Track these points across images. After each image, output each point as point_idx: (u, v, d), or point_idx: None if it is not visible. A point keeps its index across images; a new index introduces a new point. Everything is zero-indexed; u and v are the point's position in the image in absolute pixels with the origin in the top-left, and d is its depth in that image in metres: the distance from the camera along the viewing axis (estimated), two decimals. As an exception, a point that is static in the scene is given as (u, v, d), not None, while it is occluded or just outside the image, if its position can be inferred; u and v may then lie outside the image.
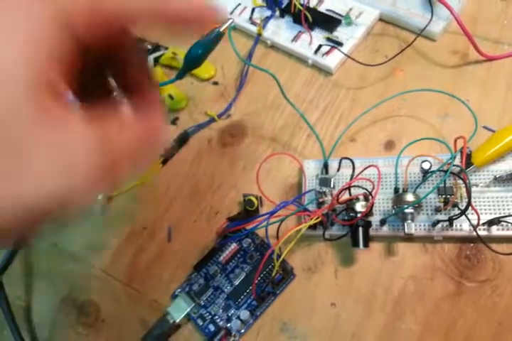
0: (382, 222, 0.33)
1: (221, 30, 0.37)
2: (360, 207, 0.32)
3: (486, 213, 0.32)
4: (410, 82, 0.41)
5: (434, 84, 0.39)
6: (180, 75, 0.41)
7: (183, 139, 0.43)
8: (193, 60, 0.40)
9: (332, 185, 0.35)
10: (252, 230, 0.33)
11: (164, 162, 0.43)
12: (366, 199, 0.33)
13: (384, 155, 0.38)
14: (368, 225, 0.33)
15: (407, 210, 0.32)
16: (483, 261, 0.32)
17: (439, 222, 0.32)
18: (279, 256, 0.32)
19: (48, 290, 0.38)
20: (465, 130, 0.37)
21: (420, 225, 0.33)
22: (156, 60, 0.48)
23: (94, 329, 0.36)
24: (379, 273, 0.34)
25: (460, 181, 0.33)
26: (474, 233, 0.31)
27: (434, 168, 0.33)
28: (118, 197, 0.42)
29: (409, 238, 0.34)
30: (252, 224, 0.33)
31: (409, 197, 0.32)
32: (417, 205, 0.32)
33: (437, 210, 0.33)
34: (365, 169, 0.33)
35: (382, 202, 0.35)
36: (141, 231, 0.40)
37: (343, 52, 0.43)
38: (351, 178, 0.34)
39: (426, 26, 0.41)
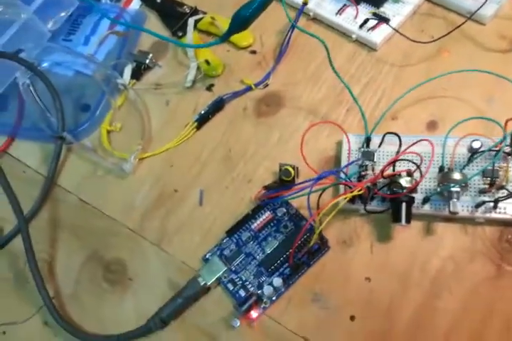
0: (426, 200, 0.33)
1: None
2: (405, 182, 0.32)
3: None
4: (456, 64, 0.40)
5: (480, 67, 0.39)
6: (225, 37, 0.40)
7: (218, 105, 0.43)
8: (241, 22, 0.39)
9: (375, 159, 0.34)
10: (293, 197, 0.33)
11: (199, 126, 0.42)
12: (410, 175, 0.33)
13: (426, 135, 0.38)
14: (411, 201, 0.32)
15: (453, 189, 0.31)
16: (525, 245, 0.32)
17: (484, 202, 0.32)
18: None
19: (74, 246, 0.38)
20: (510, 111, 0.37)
21: (463, 206, 0.33)
22: (194, 25, 0.47)
23: (120, 286, 0.36)
24: (416, 251, 0.33)
25: (507, 164, 0.32)
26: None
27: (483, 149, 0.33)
28: (150, 158, 0.41)
29: (450, 218, 0.33)
30: (292, 191, 0.33)
31: (456, 176, 0.32)
32: (463, 185, 0.32)
33: (482, 192, 0.33)
34: (416, 143, 0.32)
35: (426, 180, 0.34)
36: (171, 193, 0.39)
37: (391, 27, 0.42)
38: (397, 153, 0.33)
39: (478, 9, 0.40)
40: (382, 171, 0.32)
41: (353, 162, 0.35)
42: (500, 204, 0.32)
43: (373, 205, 0.34)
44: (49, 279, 0.36)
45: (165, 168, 0.40)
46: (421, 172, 0.32)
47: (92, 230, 0.38)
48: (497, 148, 0.32)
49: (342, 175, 0.33)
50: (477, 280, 0.32)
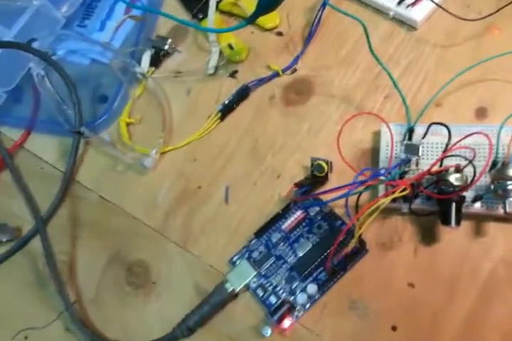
0: (477, 198, 0.30)
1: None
2: (454, 179, 0.28)
3: None
4: (508, 44, 0.36)
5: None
6: (252, 19, 0.37)
7: (243, 93, 0.39)
8: (269, 2, 0.36)
9: (420, 153, 0.31)
10: (333, 200, 0.30)
11: (222, 117, 0.39)
12: (459, 171, 0.29)
13: (475, 124, 0.34)
14: (462, 201, 0.29)
15: (510, 186, 0.28)
16: None
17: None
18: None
19: (95, 247, 0.36)
20: None
21: (519, 204, 0.29)
22: (216, 6, 0.43)
23: (144, 290, 0.34)
24: (465, 254, 0.30)
25: None
26: None
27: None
28: (172, 152, 0.38)
29: (503, 218, 0.30)
30: (330, 194, 0.30)
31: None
32: (521, 181, 0.28)
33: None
34: (467, 136, 0.29)
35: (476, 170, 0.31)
36: (195, 190, 0.37)
37: (434, 2, 0.37)
38: (446, 147, 0.30)
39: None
40: (430, 169, 0.29)
41: (402, 162, 0.31)
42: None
43: (418, 204, 0.31)
44: (70, 282, 0.35)
45: (188, 163, 0.38)
46: (475, 170, 0.28)
47: (113, 229, 0.36)
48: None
49: (383, 172, 0.30)
50: (536, 288, 0.28)
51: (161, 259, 0.35)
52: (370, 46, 0.33)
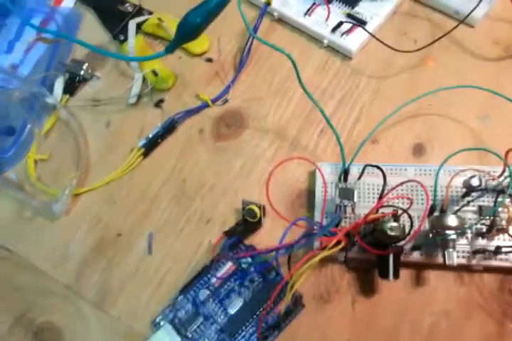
0: (415, 248, 0.28)
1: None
2: (390, 230, 0.26)
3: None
4: (443, 75, 0.35)
5: (472, 79, 0.33)
6: (171, 49, 0.33)
7: (169, 126, 0.36)
8: (190, 31, 0.33)
9: (356, 198, 0.29)
10: (261, 261, 0.27)
11: (146, 153, 0.35)
12: (396, 219, 0.27)
13: (413, 162, 0.32)
14: (400, 252, 0.27)
15: (449, 237, 0.26)
16: (530, 298, 0.27)
17: (484, 251, 0.27)
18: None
19: (-4, 309, 0.31)
20: (509, 135, 0.32)
21: (458, 252, 0.28)
22: (138, 27, 0.39)
23: (53, 361, 0.29)
24: (405, 306, 0.28)
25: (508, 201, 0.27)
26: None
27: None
28: (88, 194, 0.34)
29: (443, 266, 0.28)
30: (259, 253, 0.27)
31: (453, 221, 0.26)
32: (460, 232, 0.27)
33: (479, 235, 0.28)
34: (401, 184, 0.27)
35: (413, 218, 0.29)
36: (114, 238, 0.33)
37: (368, 32, 0.36)
38: (381, 193, 0.28)
39: (472, 11, 0.34)
40: (365, 218, 0.26)
41: (332, 219, 0.28)
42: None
43: (355, 252, 0.29)
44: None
45: (106, 207, 0.34)
46: (412, 222, 0.26)
47: (19, 286, 0.32)
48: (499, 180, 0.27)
49: (316, 227, 0.27)
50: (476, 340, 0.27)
51: (74, 321, 0.30)
52: (300, 81, 0.30)
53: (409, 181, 0.27)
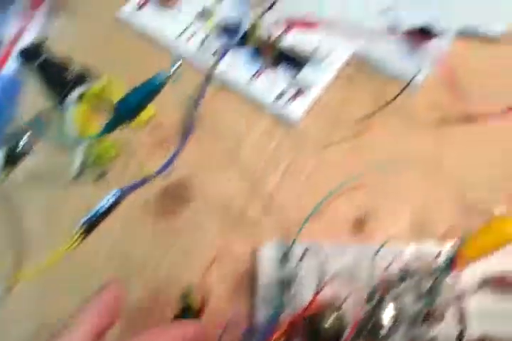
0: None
1: (168, 74, 0.30)
2: (330, 328, 0.26)
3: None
4: (385, 143, 0.35)
5: (413, 147, 0.34)
6: (107, 130, 0.33)
7: (113, 202, 0.35)
8: (128, 113, 0.32)
9: (293, 291, 0.28)
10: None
11: (87, 231, 0.34)
12: (337, 309, 0.27)
13: (354, 236, 0.32)
14: (339, 346, 0.27)
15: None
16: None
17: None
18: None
19: None
20: (447, 209, 0.32)
21: (396, 341, 0.28)
22: (83, 95, 0.39)
23: None
24: None
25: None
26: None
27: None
28: (22, 286, 0.33)
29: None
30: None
31: (389, 314, 0.26)
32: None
33: (414, 322, 0.28)
34: (333, 277, 0.27)
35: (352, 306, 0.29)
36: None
37: (310, 100, 0.36)
38: (318, 286, 0.27)
39: (412, 79, 0.35)
40: (302, 315, 0.26)
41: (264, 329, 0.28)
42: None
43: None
44: None
45: (42, 298, 0.32)
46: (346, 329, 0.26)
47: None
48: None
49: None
50: None
51: None
52: (241, 158, 0.30)
53: (349, 267, 0.27)
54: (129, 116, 0.32)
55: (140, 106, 0.32)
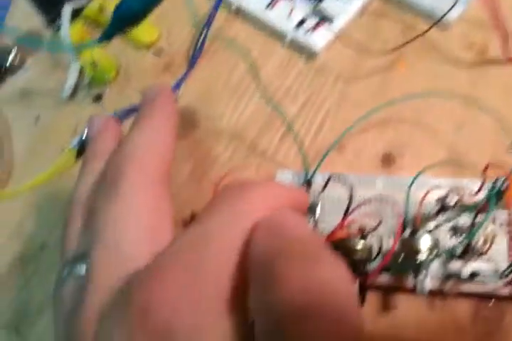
0: (384, 269, 0.25)
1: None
2: (357, 251, 0.23)
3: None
4: (415, 80, 0.32)
5: (446, 85, 0.31)
6: (105, 37, 0.29)
7: (108, 125, 0.31)
8: (126, 18, 0.28)
9: (318, 214, 0.25)
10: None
11: (79, 155, 0.30)
12: (364, 236, 0.24)
13: (381, 172, 0.29)
14: (366, 277, 0.24)
15: (420, 261, 0.23)
16: (508, 325, 0.25)
17: (458, 275, 0.24)
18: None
19: None
20: (485, 146, 0.29)
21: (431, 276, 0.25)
22: (79, 12, 0.35)
23: None
24: (370, 335, 0.25)
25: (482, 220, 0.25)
26: (504, 290, 0.24)
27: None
28: (7, 202, 0.29)
29: (414, 289, 0.25)
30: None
31: (426, 243, 0.23)
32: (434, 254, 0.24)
33: (453, 257, 0.25)
34: (369, 200, 0.24)
35: (383, 237, 0.26)
36: (36, 252, 0.28)
37: (335, 31, 0.33)
38: (348, 207, 0.24)
39: (447, 13, 0.32)
40: (330, 237, 0.23)
41: None
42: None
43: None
44: None
45: (29, 216, 0.29)
46: (381, 246, 0.23)
47: None
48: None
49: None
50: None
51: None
52: (258, 83, 0.27)
53: (378, 196, 0.24)
54: (128, 22, 0.29)
55: (139, 13, 0.29)
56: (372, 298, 0.26)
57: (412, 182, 0.25)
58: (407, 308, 0.26)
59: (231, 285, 0.14)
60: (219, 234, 0.15)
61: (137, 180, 0.18)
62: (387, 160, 0.30)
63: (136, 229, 0.17)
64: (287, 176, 0.28)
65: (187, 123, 0.32)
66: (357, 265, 0.23)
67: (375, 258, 0.23)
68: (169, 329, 0.13)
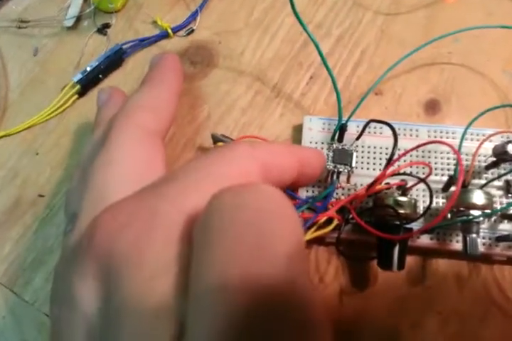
0: (428, 231, 0.22)
1: None
2: (398, 206, 0.20)
3: None
4: (465, 14, 0.28)
5: (500, 20, 0.27)
6: None
7: (114, 58, 0.28)
8: None
9: (354, 163, 0.22)
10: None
11: (83, 91, 0.27)
12: (404, 193, 0.21)
13: (424, 121, 0.26)
14: (408, 237, 0.21)
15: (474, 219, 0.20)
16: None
17: (510, 238, 0.21)
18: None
19: None
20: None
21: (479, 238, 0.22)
22: None
23: None
24: (406, 302, 0.22)
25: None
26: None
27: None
28: (3, 141, 0.26)
29: (457, 254, 0.22)
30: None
31: (479, 199, 0.20)
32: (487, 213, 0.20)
33: (505, 217, 0.22)
34: (420, 146, 0.20)
35: (425, 192, 0.23)
36: (34, 200, 0.25)
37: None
38: (391, 156, 0.21)
39: None
40: (365, 194, 0.20)
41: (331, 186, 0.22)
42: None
43: (348, 232, 0.22)
44: None
45: (26, 158, 0.26)
46: (431, 197, 0.20)
47: None
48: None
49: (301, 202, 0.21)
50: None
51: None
52: (293, 6, 0.23)
53: (432, 142, 0.20)
54: None
55: None
56: (409, 263, 0.23)
57: (466, 130, 0.22)
58: (448, 275, 0.23)
59: (180, 220, 0.14)
60: (184, 187, 0.15)
61: (127, 132, 0.18)
62: (431, 108, 0.26)
63: (121, 178, 0.17)
64: (316, 123, 0.24)
65: (203, 60, 0.28)
66: (399, 223, 0.20)
67: (422, 215, 0.20)
68: (110, 252, 0.13)
